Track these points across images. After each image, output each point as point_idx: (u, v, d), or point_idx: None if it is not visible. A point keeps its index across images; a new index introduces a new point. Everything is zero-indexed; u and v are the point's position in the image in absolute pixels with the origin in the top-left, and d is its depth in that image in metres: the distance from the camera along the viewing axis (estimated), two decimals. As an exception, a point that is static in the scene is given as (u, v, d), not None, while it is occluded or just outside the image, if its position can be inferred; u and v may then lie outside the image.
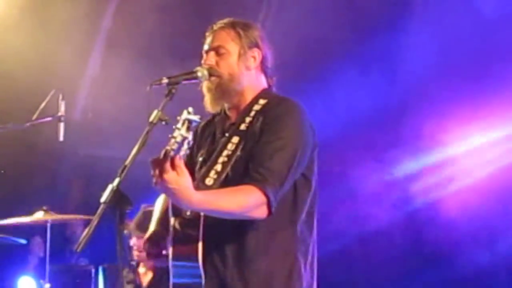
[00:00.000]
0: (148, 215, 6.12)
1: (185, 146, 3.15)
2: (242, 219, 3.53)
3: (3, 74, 7.61)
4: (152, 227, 3.87)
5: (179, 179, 3.22)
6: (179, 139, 3.13)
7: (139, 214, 5.96)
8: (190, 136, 3.14)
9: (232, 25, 3.78)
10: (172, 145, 3.13)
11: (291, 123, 3.62)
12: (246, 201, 3.47)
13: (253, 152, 3.57)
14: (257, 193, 3.46)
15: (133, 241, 6.02)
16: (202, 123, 3.91)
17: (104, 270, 6.92)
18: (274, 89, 3.86)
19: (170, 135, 3.15)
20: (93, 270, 6.99)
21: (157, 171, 3.20)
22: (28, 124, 6.16)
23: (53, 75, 7.31)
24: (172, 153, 3.14)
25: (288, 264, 3.62)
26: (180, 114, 3.19)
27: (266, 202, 3.47)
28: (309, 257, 3.71)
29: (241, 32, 3.75)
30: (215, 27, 3.81)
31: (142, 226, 6.04)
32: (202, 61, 3.76)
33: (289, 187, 3.59)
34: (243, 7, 7.01)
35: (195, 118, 3.17)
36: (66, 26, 7.63)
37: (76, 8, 7.67)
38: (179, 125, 3.15)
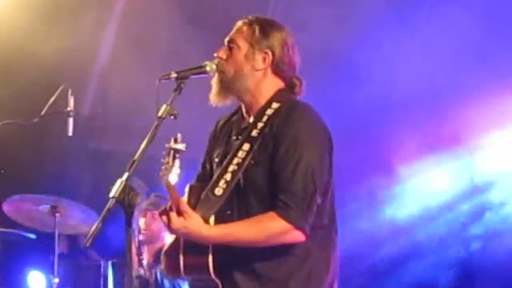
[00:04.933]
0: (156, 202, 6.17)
1: (173, 175, 3.26)
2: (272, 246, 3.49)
3: (12, 69, 7.61)
4: (171, 238, 3.76)
5: (187, 223, 3.36)
6: (166, 167, 3.26)
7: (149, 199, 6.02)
8: (176, 165, 3.26)
9: (251, 22, 3.70)
10: (163, 172, 3.26)
11: (306, 137, 3.53)
12: (268, 228, 3.44)
13: (267, 168, 3.52)
14: (278, 220, 3.42)
15: (142, 221, 6.04)
16: (221, 121, 3.88)
17: (113, 265, 6.93)
18: (300, 94, 3.75)
19: (161, 161, 3.30)
20: (102, 265, 7.00)
21: (166, 222, 3.38)
22: (37, 119, 6.17)
23: (62, 70, 7.30)
24: (165, 180, 3.25)
25: (307, 270, 3.55)
26: (168, 142, 3.30)
27: (295, 227, 3.42)
28: (330, 262, 3.63)
29: (257, 31, 3.67)
30: (240, 21, 3.74)
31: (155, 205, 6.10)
32: (215, 54, 3.73)
33: (321, 202, 3.52)
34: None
35: (181, 147, 3.29)
36: (74, 20, 7.62)
37: (85, 2, 7.67)
38: (165, 152, 3.29)
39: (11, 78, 7.62)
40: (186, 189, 3.57)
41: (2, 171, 7.10)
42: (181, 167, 3.27)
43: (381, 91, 7.08)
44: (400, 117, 7.20)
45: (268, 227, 3.44)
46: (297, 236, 3.45)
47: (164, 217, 3.37)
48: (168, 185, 3.27)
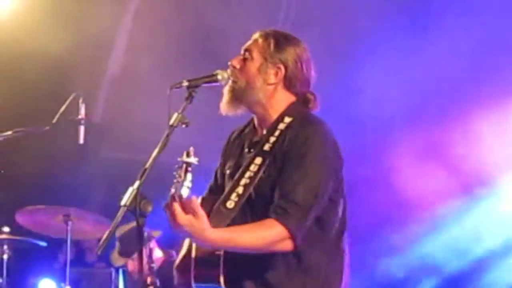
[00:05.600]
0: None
1: (185, 189, 3.22)
2: (267, 253, 3.48)
3: (23, 77, 7.64)
4: (182, 252, 3.76)
5: (194, 221, 3.27)
6: (178, 180, 3.22)
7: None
8: (188, 177, 3.22)
9: (267, 35, 3.70)
10: (175, 186, 3.22)
11: (315, 150, 3.52)
12: (268, 236, 3.43)
13: (276, 181, 3.51)
14: (278, 227, 3.41)
15: None
16: (235, 133, 3.88)
17: (124, 273, 6.94)
18: (314, 109, 3.73)
19: (174, 174, 3.25)
20: (113, 273, 7.01)
21: (169, 215, 3.28)
22: (48, 127, 6.18)
23: (73, 78, 7.32)
24: (174, 194, 3.21)
25: (319, 283, 3.55)
26: (181, 156, 3.26)
27: (289, 236, 3.42)
28: (342, 274, 3.62)
29: (272, 45, 3.67)
30: (257, 33, 3.74)
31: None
32: (229, 62, 3.73)
33: (315, 215, 3.50)
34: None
35: (193, 160, 3.24)
36: (85, 28, 7.65)
37: (97, 10, 7.68)
38: (178, 166, 3.24)
39: (22, 87, 7.65)
40: (198, 200, 3.55)
41: (2, 171, 7.10)
42: (192, 181, 3.25)
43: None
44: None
45: (267, 235, 3.43)
46: (287, 245, 3.44)
47: (170, 211, 3.27)
48: (180, 200, 3.24)
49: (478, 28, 6.81)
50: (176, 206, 3.24)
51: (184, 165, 3.23)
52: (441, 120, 7.21)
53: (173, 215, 3.26)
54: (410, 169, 7.25)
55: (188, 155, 3.25)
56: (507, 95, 7.00)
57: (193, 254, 3.57)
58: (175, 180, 3.23)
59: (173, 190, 3.23)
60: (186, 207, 3.25)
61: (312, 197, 3.47)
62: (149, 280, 5.94)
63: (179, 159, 3.25)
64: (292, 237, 3.43)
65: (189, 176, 3.22)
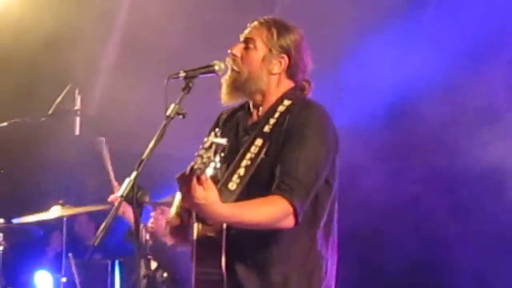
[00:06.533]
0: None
1: (211, 168, 3.14)
2: (269, 230, 3.50)
3: (20, 69, 7.63)
4: (173, 210, 3.82)
5: (207, 194, 3.23)
6: (205, 160, 3.12)
7: None
8: (217, 159, 3.13)
9: (269, 25, 3.70)
10: (199, 164, 3.12)
11: (315, 130, 3.56)
12: (274, 212, 3.44)
13: (278, 160, 3.53)
14: (284, 204, 3.43)
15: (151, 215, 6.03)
16: (224, 114, 3.88)
17: (120, 264, 6.94)
18: (308, 95, 3.77)
19: (196, 153, 3.14)
20: (109, 264, 7.02)
21: (184, 187, 3.23)
22: (44, 118, 6.18)
23: (69, 70, 7.31)
24: (198, 172, 3.14)
25: (309, 267, 3.58)
26: (208, 135, 3.19)
27: (292, 212, 3.44)
28: (328, 261, 3.66)
29: (275, 34, 3.67)
30: (255, 21, 3.74)
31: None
32: (229, 50, 3.72)
33: (313, 195, 3.54)
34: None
35: (223, 141, 3.15)
36: (81, 19, 7.64)
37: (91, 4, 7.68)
38: (206, 146, 3.13)
39: (18, 78, 7.64)
40: None
41: (2, 171, 7.11)
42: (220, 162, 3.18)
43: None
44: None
45: (274, 212, 3.44)
46: (290, 222, 3.46)
47: (182, 182, 3.23)
48: (197, 177, 3.17)
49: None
50: (194, 179, 3.18)
51: (214, 146, 3.16)
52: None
53: (188, 187, 3.20)
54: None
55: (216, 135, 3.22)
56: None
57: (195, 237, 3.58)
58: (199, 160, 3.12)
59: (198, 169, 3.13)
60: (199, 182, 3.21)
61: (313, 175, 3.51)
62: (145, 272, 5.93)
63: (205, 139, 3.17)
64: (295, 213, 3.45)
65: (218, 158, 3.14)
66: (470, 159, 6.58)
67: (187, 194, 3.22)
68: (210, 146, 3.13)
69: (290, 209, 3.44)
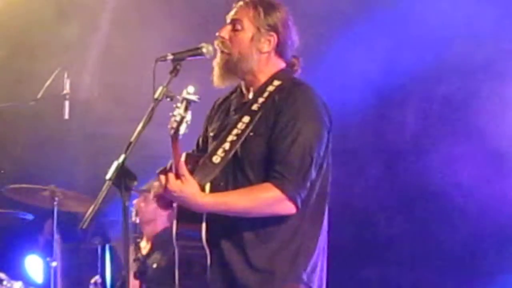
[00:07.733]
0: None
1: (184, 125, 3.22)
2: (267, 216, 3.52)
3: (8, 53, 7.59)
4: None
5: (183, 187, 3.37)
6: (178, 118, 3.21)
7: None
8: (188, 115, 3.22)
9: (255, 3, 3.72)
10: (172, 123, 3.21)
11: (306, 112, 3.59)
12: (261, 197, 3.49)
13: (268, 143, 3.56)
14: (274, 191, 3.47)
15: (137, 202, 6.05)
16: (220, 100, 3.92)
17: (110, 248, 6.94)
18: (298, 71, 3.82)
19: (171, 113, 3.23)
20: (99, 248, 7.01)
21: (163, 182, 3.37)
22: (33, 102, 6.16)
23: (58, 53, 7.28)
24: (171, 132, 3.20)
25: (295, 246, 3.60)
26: (181, 93, 3.22)
27: (288, 197, 3.47)
28: (318, 240, 3.67)
29: (261, 13, 3.69)
30: (241, 1, 3.76)
31: None
32: (217, 33, 3.73)
33: (314, 176, 3.56)
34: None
35: (194, 98, 3.23)
36: (71, 3, 7.60)
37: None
38: (178, 104, 3.21)
39: (7, 62, 7.60)
40: (183, 157, 3.55)
41: (2, 171, 7.11)
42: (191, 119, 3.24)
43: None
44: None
45: (261, 197, 3.49)
46: (288, 207, 3.50)
47: (162, 177, 3.40)
48: (174, 139, 3.27)
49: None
50: (170, 174, 3.35)
51: (185, 102, 3.21)
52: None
53: (164, 182, 3.37)
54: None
55: (188, 92, 3.24)
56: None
57: (176, 209, 3.62)
58: (172, 118, 3.22)
59: (171, 129, 3.23)
60: (176, 172, 3.34)
61: (308, 157, 3.53)
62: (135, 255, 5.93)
63: (178, 96, 3.24)
64: (292, 200, 3.48)
65: (189, 114, 3.22)
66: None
67: (165, 188, 3.39)
68: (182, 102, 3.19)
69: (281, 196, 3.47)
